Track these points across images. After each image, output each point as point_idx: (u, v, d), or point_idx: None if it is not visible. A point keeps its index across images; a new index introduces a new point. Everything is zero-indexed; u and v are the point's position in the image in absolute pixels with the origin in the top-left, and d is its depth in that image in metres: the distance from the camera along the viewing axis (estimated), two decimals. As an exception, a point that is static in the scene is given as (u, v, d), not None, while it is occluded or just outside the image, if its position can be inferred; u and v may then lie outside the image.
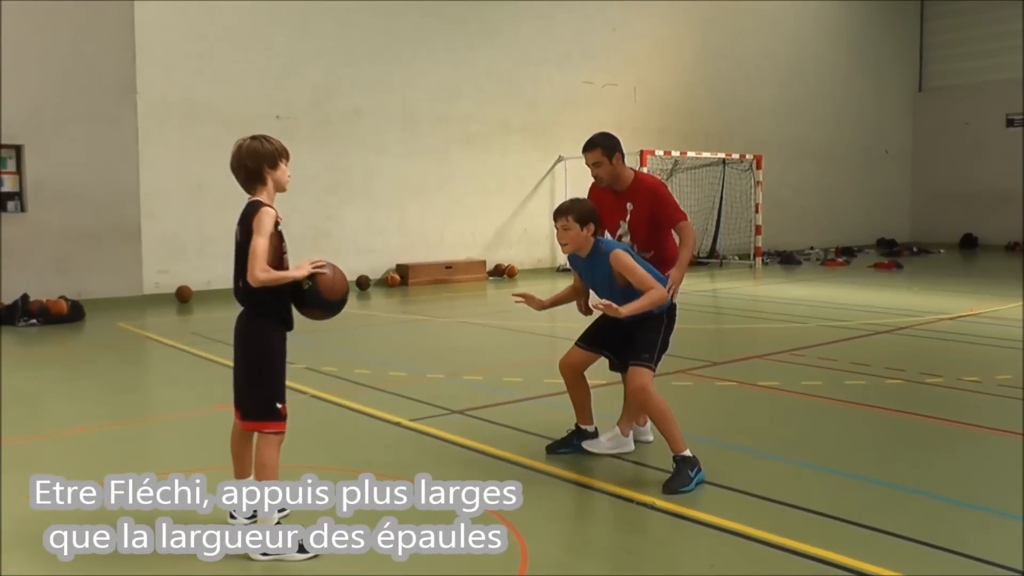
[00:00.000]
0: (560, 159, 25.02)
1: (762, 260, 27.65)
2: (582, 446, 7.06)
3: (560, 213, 6.65)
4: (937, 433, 8.21)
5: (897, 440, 7.98)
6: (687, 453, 6.49)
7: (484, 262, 23.02)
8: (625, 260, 6.51)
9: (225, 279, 19.26)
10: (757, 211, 27.50)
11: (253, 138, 5.45)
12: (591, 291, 7.04)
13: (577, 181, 24.42)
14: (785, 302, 17.98)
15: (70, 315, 15.06)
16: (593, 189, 7.53)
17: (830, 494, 6.30)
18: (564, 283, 21.27)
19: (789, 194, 32.04)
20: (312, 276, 5.27)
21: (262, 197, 5.31)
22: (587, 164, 7.22)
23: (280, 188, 5.43)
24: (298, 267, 5.25)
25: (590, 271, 6.81)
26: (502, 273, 23.02)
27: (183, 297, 17.74)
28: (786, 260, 28.76)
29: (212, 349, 11.98)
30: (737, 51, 30.87)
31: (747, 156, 27.69)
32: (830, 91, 35.05)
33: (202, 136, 18.31)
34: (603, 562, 5.20)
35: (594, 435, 7.19)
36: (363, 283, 20.23)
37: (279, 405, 5.22)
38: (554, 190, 24.76)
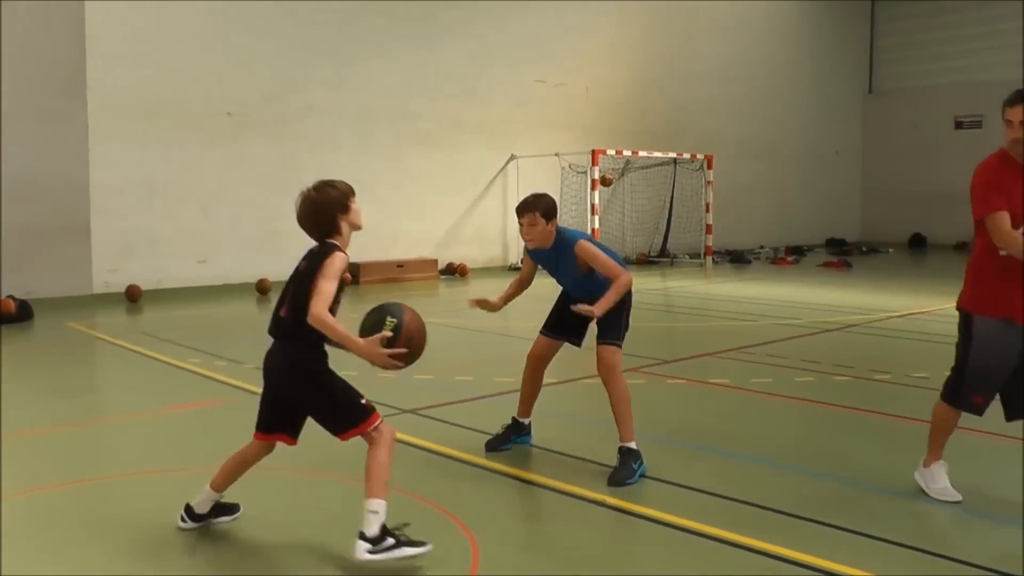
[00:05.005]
0: (512, 157, 25.03)
1: (712, 259, 27.81)
2: None
3: (526, 209, 6.69)
4: (885, 428, 8.32)
5: (846, 436, 8.08)
6: (633, 445, 6.61)
7: (436, 261, 22.99)
8: (591, 250, 6.66)
9: (176, 277, 19.13)
10: (708, 210, 27.68)
11: (316, 189, 5.27)
12: (558, 278, 7.11)
13: (529, 179, 24.47)
14: (735, 300, 18.09)
15: (18, 315, 14.87)
16: (995, 162, 6.06)
17: (780, 490, 6.34)
18: (516, 282, 21.24)
19: (740, 193, 32.25)
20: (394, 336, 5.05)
21: (337, 241, 5.20)
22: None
23: (356, 228, 5.32)
24: (370, 341, 4.95)
25: (554, 261, 6.90)
26: (454, 272, 23.01)
27: (132, 296, 17.54)
28: (736, 259, 28.94)
29: (162, 349, 11.87)
30: (688, 51, 31.01)
31: (698, 156, 27.84)
32: (781, 92, 35.33)
33: (153, 133, 18.20)
34: (555, 560, 5.21)
35: (527, 428, 7.33)
36: (315, 282, 20.15)
37: (363, 401, 5.12)
38: (506, 189, 24.79)
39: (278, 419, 5.34)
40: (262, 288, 18.72)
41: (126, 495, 6.28)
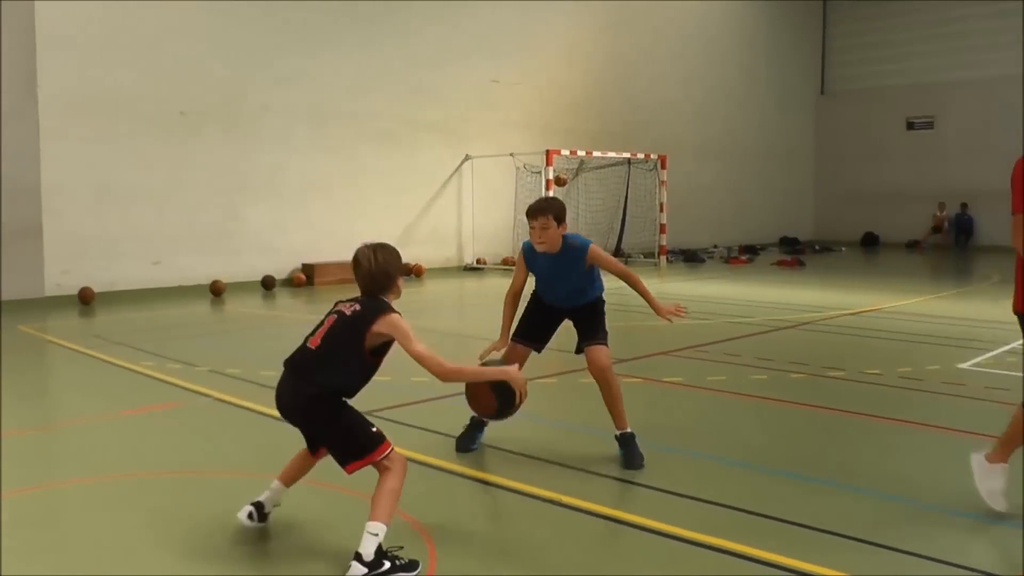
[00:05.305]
0: (467, 158, 24.99)
1: (667, 258, 27.94)
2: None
3: (539, 212, 6.78)
4: (841, 424, 8.40)
5: (801, 432, 8.16)
6: (630, 429, 6.88)
7: (391, 261, 22.90)
8: (602, 253, 7.00)
9: (130, 279, 18.89)
10: (662, 210, 27.77)
11: (381, 249, 5.40)
12: (550, 284, 7.16)
13: (484, 179, 24.49)
14: (689, 299, 18.16)
15: (-32, 318, 14.73)
16: None
17: (735, 487, 6.39)
18: (472, 282, 21.23)
19: (694, 193, 32.46)
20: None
21: (389, 299, 5.35)
22: None
23: (398, 295, 5.45)
24: (515, 368, 5.53)
25: (556, 263, 6.96)
26: (409, 272, 22.95)
27: (85, 299, 17.34)
28: (690, 258, 29.14)
29: (115, 352, 11.76)
30: (644, 51, 31.16)
31: (651, 156, 27.91)
32: (736, 93, 35.64)
33: (106, 132, 18.05)
34: (512, 560, 5.22)
35: (484, 425, 7.34)
36: (268, 283, 20.04)
37: (373, 430, 5.15)
38: (461, 189, 24.74)
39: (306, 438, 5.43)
40: (216, 290, 18.59)
41: (83, 500, 6.22)
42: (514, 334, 7.21)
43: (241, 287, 19.45)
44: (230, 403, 8.95)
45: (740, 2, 35.73)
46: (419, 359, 5.11)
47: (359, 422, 5.15)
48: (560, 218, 6.79)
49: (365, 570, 4.76)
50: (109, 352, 11.86)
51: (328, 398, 5.13)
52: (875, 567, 5.08)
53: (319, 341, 5.21)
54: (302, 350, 5.28)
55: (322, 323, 5.28)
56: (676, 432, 7.92)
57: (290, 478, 5.59)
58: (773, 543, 5.31)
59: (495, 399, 5.68)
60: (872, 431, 8.17)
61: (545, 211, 6.76)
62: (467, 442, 7.27)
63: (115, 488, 6.38)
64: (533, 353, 7.33)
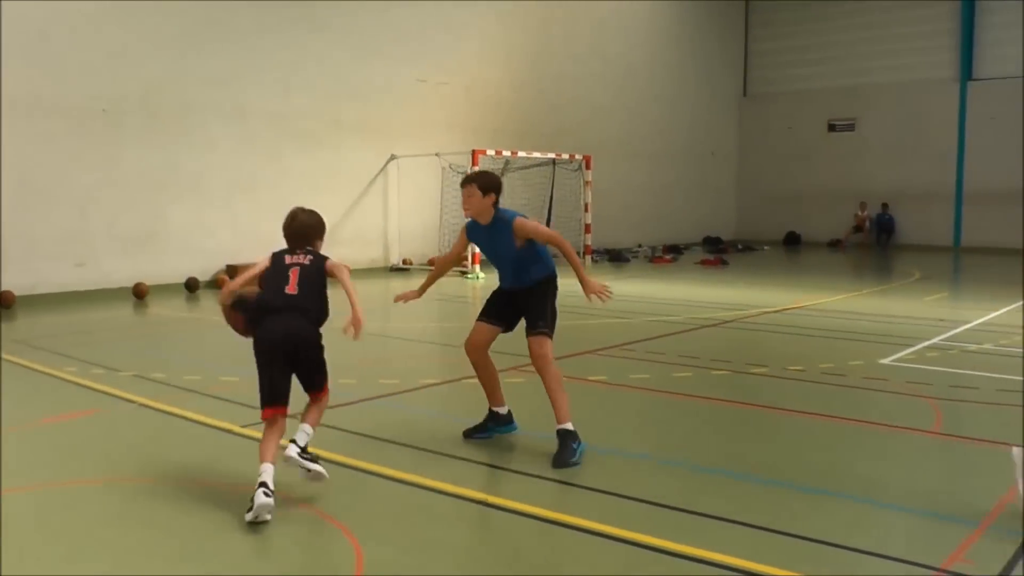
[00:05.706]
0: (393, 157, 24.92)
1: (592, 258, 28.06)
2: None
3: (467, 182, 7.29)
4: (767, 420, 8.52)
5: (727, 428, 8.26)
6: (570, 426, 6.96)
7: (316, 262, 22.73)
8: (529, 224, 7.28)
9: (52, 282, 18.52)
10: (586, 210, 27.90)
11: (311, 213, 6.63)
12: (494, 262, 7.54)
13: (410, 179, 24.43)
14: (614, 299, 18.20)
15: None
16: None
17: (667, 485, 6.46)
18: (397, 283, 21.20)
19: (619, 193, 32.58)
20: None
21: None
22: None
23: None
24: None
25: (489, 237, 7.36)
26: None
27: (6, 302, 16.97)
28: (615, 258, 29.34)
29: (37, 358, 11.54)
30: (571, 52, 31.24)
31: (576, 156, 28.02)
32: (661, 93, 35.89)
33: (26, 130, 17.60)
34: (439, 561, 5.22)
35: (507, 417, 7.58)
36: (192, 285, 19.83)
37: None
38: (387, 189, 24.68)
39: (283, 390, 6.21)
40: (139, 292, 18.38)
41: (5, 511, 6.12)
42: (479, 315, 7.54)
43: (165, 289, 19.20)
44: (154, 408, 8.85)
45: (666, 2, 35.98)
46: (352, 290, 6.36)
47: (325, 360, 6.39)
48: (486, 189, 7.19)
49: (299, 448, 6.05)
50: (30, 357, 11.64)
51: (318, 326, 6.34)
52: (815, 564, 5.15)
53: (296, 288, 6.23)
54: (283, 297, 6.20)
55: (285, 275, 6.27)
56: (603, 430, 7.95)
57: (273, 454, 5.92)
58: (704, 540, 5.36)
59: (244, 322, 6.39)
60: (797, 426, 8.29)
61: (473, 181, 7.28)
62: (474, 432, 7.56)
63: (37, 498, 6.30)
64: (453, 354, 7.48)
